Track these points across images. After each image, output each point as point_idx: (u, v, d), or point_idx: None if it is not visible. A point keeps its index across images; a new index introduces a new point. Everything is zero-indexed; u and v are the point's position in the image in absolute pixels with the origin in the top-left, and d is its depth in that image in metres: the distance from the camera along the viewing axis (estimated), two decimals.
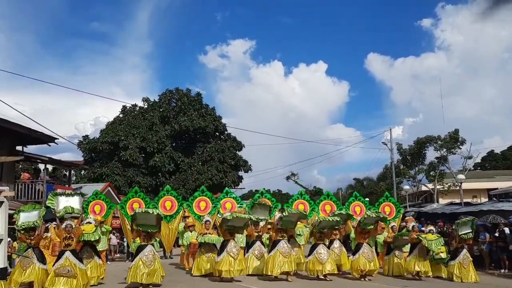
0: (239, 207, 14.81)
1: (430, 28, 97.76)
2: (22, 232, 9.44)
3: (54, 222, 13.16)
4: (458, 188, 26.77)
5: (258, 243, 12.17)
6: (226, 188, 17.70)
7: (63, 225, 9.36)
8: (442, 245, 11.43)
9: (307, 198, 15.54)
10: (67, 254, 8.98)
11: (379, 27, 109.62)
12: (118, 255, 19.52)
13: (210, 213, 14.35)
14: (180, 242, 14.69)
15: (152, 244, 10.17)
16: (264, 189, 15.78)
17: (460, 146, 32.00)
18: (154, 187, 29.12)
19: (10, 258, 12.18)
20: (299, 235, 13.00)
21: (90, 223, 10.75)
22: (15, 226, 9.64)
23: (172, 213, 14.19)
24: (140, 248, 9.80)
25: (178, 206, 14.31)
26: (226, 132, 33.61)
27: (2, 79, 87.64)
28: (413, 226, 12.39)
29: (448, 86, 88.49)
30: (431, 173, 33.71)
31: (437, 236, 11.62)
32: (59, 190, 14.19)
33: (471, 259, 11.46)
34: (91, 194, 13.93)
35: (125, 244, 19.43)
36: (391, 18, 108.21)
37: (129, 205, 14.02)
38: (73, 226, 9.33)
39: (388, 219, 15.35)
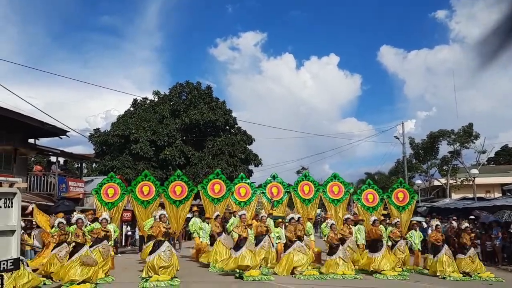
0: (253, 193, 14.90)
1: (444, 20, 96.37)
2: None
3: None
4: (471, 183, 26.39)
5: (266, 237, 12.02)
6: (242, 173, 17.77)
7: (74, 219, 9.51)
8: None
9: (311, 179, 15.75)
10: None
11: (392, 19, 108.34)
12: (129, 247, 19.63)
13: (224, 196, 14.46)
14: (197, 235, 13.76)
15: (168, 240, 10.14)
16: (275, 173, 15.84)
17: (474, 141, 31.54)
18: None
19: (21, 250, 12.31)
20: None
21: (106, 219, 10.93)
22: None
23: (182, 198, 14.28)
24: (158, 244, 9.80)
25: (188, 192, 14.36)
26: (236, 126, 33.53)
27: (12, 72, 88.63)
28: (436, 225, 11.99)
29: (462, 80, 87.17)
30: (444, 168, 33.31)
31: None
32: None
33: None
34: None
35: (136, 236, 19.52)
36: (405, 10, 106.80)
37: (138, 189, 14.16)
38: (84, 222, 9.53)
39: (402, 205, 15.42)
